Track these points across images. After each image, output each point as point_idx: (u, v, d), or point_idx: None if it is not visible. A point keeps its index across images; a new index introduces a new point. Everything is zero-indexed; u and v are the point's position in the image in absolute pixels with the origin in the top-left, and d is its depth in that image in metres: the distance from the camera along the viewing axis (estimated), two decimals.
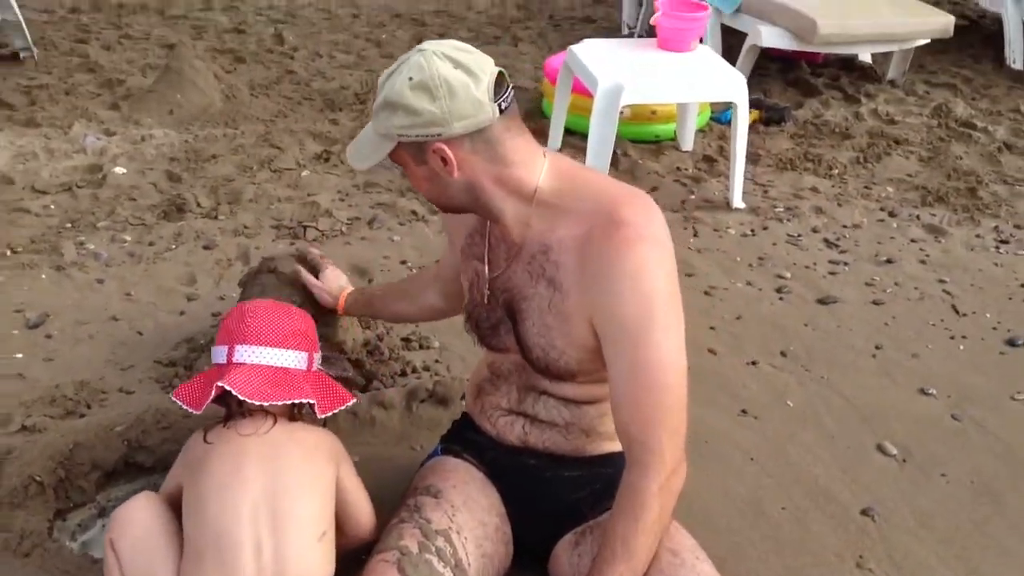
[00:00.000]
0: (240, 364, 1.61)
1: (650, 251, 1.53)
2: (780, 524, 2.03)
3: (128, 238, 3.06)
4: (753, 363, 2.59)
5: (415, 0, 6.61)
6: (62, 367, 2.42)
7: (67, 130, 3.86)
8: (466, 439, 1.86)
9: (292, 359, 1.65)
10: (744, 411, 2.39)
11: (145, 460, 2.06)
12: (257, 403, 1.59)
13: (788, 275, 3.06)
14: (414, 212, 3.34)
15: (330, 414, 1.68)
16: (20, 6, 4.72)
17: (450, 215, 1.73)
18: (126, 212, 3.22)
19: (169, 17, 5.90)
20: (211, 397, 1.60)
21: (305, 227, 3.14)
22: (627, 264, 1.51)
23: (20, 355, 2.46)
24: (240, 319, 1.65)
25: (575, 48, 3.63)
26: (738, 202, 3.52)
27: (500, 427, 1.80)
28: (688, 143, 4.00)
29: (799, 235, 3.34)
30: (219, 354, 1.64)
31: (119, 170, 3.51)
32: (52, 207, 3.25)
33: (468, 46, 1.55)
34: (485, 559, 1.68)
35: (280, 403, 1.62)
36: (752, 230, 3.36)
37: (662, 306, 1.53)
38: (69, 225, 3.13)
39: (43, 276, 2.82)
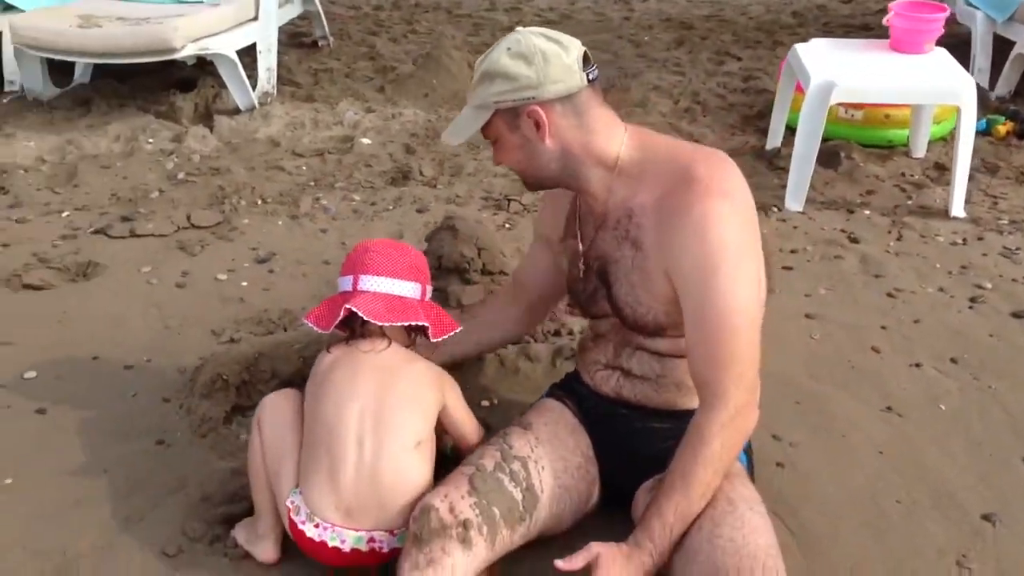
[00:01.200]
0: (364, 291, 1.85)
1: (718, 203, 1.62)
2: (889, 515, 1.99)
3: (357, 198, 3.46)
4: (917, 365, 2.51)
5: (691, 5, 6.72)
6: (275, 297, 2.81)
7: (334, 106, 4.37)
8: (570, 388, 2.01)
9: (408, 289, 1.88)
10: (889, 408, 2.34)
11: None
12: (378, 324, 1.83)
13: (988, 286, 2.90)
14: None
15: (443, 338, 1.89)
16: (331, 2, 5.36)
17: (545, 209, 1.91)
18: (361, 176, 3.63)
19: (455, 15, 6.40)
20: (339, 318, 1.86)
21: (509, 200, 3.39)
22: (694, 216, 1.61)
23: (245, 283, 2.89)
24: (364, 253, 1.89)
25: (798, 47, 3.61)
26: (958, 211, 3.34)
27: (597, 380, 1.93)
28: (920, 150, 3.83)
29: (1017, 249, 3.13)
30: (345, 283, 1.89)
31: (365, 141, 3.95)
32: (304, 168, 3.73)
33: (561, 34, 1.70)
34: (561, 491, 1.81)
35: (397, 325, 1.84)
36: (964, 239, 3.19)
37: (730, 256, 1.61)
38: (312, 183, 3.59)
39: (279, 223, 3.27)
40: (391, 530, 1.72)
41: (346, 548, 1.71)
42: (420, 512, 1.63)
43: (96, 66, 4.48)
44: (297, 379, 2.36)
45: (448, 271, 2.56)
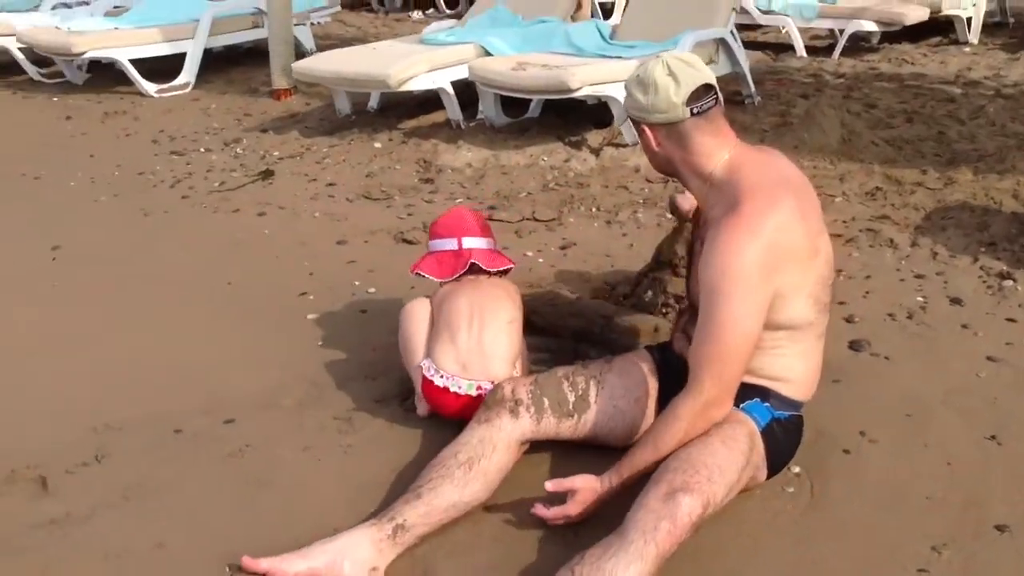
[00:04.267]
0: (472, 248, 2.76)
1: (743, 237, 2.08)
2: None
3: (669, 216, 4.16)
4: None
5: None
6: (562, 272, 3.66)
7: None
8: (661, 346, 2.59)
9: (492, 244, 2.80)
10: (993, 436, 2.49)
11: (537, 321, 3.19)
12: (493, 270, 2.71)
13: None
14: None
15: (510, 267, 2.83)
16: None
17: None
18: None
19: (906, 85, 6.59)
20: (464, 270, 2.73)
21: None
22: (720, 243, 2.11)
23: (541, 260, 3.79)
24: (461, 220, 2.84)
25: None
26: None
27: (674, 340, 2.50)
28: None
29: None
30: (449, 243, 2.79)
31: None
32: (644, 190, 4.54)
33: (696, 60, 2.25)
34: (614, 409, 2.39)
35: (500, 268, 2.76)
36: None
37: (733, 280, 2.08)
38: (642, 201, 4.38)
39: (595, 225, 4.13)
40: (492, 380, 2.49)
41: (462, 392, 2.51)
42: (493, 387, 2.38)
43: (545, 103, 5.71)
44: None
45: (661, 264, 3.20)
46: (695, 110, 2.14)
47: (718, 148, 2.19)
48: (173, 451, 2.59)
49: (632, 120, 2.29)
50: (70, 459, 2.53)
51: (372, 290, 3.57)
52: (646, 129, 2.23)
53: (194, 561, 2.15)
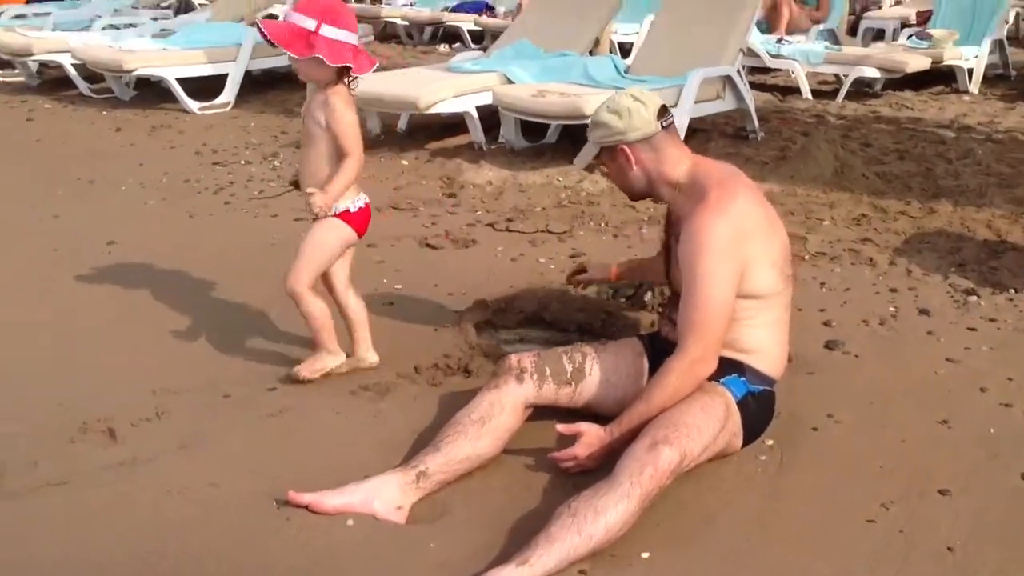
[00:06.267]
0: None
1: (712, 218, 2.50)
2: None
3: None
4: None
5: None
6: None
7: None
8: (650, 333, 2.96)
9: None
10: (945, 421, 2.84)
11: (547, 316, 3.56)
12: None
13: None
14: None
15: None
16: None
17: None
18: None
19: (904, 128, 6.96)
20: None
21: None
22: (694, 227, 2.52)
23: (552, 265, 4.17)
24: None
25: None
26: None
27: (660, 325, 2.88)
28: None
29: None
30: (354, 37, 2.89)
31: None
32: (652, 209, 4.90)
33: (647, 93, 2.66)
34: (606, 383, 2.74)
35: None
36: None
37: (708, 253, 2.48)
38: (646, 219, 4.75)
39: (603, 239, 4.51)
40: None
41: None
42: (502, 360, 2.74)
43: (561, 131, 6.12)
44: (537, 319, 3.58)
45: None
46: (664, 123, 2.60)
47: (681, 158, 2.65)
48: (222, 411, 2.96)
49: (606, 149, 2.66)
50: (134, 415, 2.90)
51: (399, 286, 3.96)
52: (625, 150, 2.61)
53: (245, 497, 2.50)
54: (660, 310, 3.43)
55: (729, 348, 2.60)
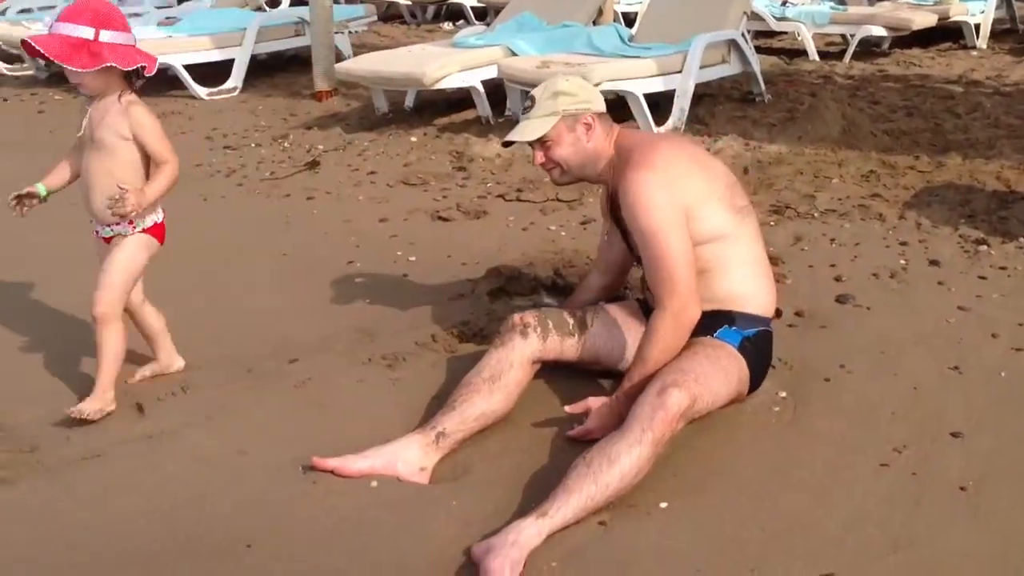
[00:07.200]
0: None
1: (640, 174, 2.57)
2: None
3: None
4: None
5: None
6: (579, 243, 4.08)
7: (717, 139, 5.46)
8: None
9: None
10: (956, 367, 2.88)
11: (559, 282, 3.60)
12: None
13: None
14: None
15: None
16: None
17: (599, 199, 2.92)
18: None
19: (913, 85, 6.97)
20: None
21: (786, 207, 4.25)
22: (629, 193, 2.58)
23: (563, 233, 4.21)
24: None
25: None
26: None
27: (646, 296, 2.88)
28: None
29: None
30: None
31: None
32: None
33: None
34: (608, 333, 2.80)
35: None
36: None
37: (648, 210, 2.53)
38: None
39: None
40: None
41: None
42: (506, 319, 2.79)
43: None
44: (550, 284, 3.62)
45: None
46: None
47: (611, 130, 2.73)
48: (246, 384, 3.02)
49: (566, 119, 2.63)
50: (160, 390, 2.97)
51: (412, 258, 4.01)
52: (588, 119, 2.65)
53: (272, 463, 2.57)
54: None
55: (711, 302, 2.63)
